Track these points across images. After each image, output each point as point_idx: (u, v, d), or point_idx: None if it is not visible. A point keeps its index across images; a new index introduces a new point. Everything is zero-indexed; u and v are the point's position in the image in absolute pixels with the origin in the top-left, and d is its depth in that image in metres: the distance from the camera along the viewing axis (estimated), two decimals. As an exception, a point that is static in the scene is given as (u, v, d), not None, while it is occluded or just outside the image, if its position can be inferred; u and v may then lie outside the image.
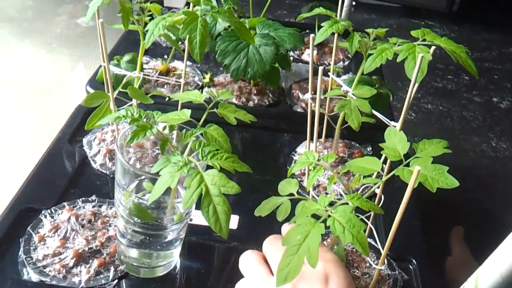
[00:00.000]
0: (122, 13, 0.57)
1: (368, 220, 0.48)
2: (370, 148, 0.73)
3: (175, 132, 0.49)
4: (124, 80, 0.60)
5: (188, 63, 0.89)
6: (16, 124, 1.65)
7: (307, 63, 0.94)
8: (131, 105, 0.59)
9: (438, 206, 1.10)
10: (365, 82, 0.65)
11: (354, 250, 0.52)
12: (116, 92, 0.58)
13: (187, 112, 0.46)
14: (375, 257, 0.52)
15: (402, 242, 0.59)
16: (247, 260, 0.44)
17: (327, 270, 0.38)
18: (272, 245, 0.43)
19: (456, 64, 1.61)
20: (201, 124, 0.46)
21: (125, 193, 0.45)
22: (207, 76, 0.83)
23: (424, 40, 0.51)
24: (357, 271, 0.49)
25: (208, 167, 0.39)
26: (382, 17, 2.09)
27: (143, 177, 0.47)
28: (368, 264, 0.49)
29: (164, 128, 0.42)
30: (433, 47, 0.49)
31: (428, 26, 2.18)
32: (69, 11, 2.23)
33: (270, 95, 0.81)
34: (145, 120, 0.41)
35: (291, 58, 0.91)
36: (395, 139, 0.39)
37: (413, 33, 0.52)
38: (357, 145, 0.73)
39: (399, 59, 0.50)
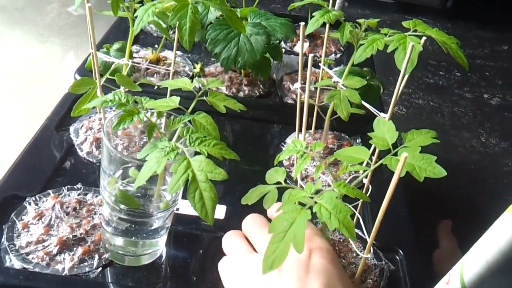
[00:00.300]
0: (112, 0, 0.56)
1: (359, 216, 0.48)
2: (360, 140, 0.72)
3: (163, 119, 0.49)
4: (112, 67, 0.59)
5: (179, 53, 0.88)
6: (6, 113, 1.63)
7: (299, 55, 0.94)
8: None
9: (427, 201, 1.11)
10: (356, 73, 0.64)
11: (341, 240, 0.51)
12: (104, 78, 0.57)
13: (176, 99, 0.45)
14: (362, 247, 0.52)
15: (389, 233, 0.59)
16: (230, 239, 0.44)
17: (310, 244, 0.38)
18: (251, 223, 0.43)
19: (448, 60, 1.62)
20: (190, 112, 0.45)
21: (111, 180, 0.45)
22: (198, 66, 0.82)
23: (416, 31, 0.51)
24: (343, 260, 0.48)
25: (196, 155, 0.39)
26: (376, 13, 2.09)
27: (129, 164, 0.46)
28: (354, 254, 0.49)
29: (152, 114, 0.42)
30: (423, 38, 0.48)
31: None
32: None
33: (261, 86, 0.81)
34: (132, 105, 0.40)
35: (283, 50, 0.90)
36: (383, 128, 0.39)
37: (405, 23, 0.52)
38: (347, 136, 0.72)
39: (389, 50, 0.49)
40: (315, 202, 0.34)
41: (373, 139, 0.39)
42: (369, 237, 0.40)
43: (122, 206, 0.47)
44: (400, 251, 0.56)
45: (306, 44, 0.94)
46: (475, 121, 1.47)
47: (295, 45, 0.95)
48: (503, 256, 0.28)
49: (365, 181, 0.46)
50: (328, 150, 0.67)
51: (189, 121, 0.43)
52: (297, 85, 0.49)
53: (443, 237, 0.97)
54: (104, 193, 0.47)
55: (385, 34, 0.52)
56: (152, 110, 0.43)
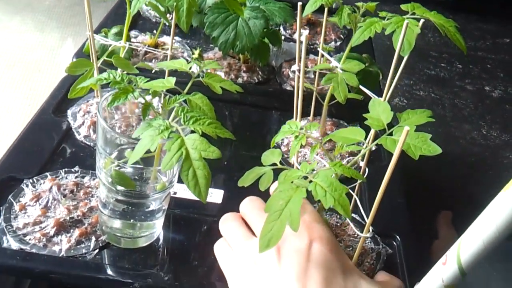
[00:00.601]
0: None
1: (356, 197, 0.48)
2: (359, 127, 0.72)
3: (160, 101, 0.49)
4: (110, 49, 0.58)
5: (178, 38, 0.88)
6: (5, 102, 1.63)
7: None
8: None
9: (427, 191, 1.10)
10: (355, 59, 0.64)
11: (339, 224, 0.51)
12: (101, 60, 0.57)
13: (172, 80, 0.45)
14: (359, 231, 0.52)
15: (387, 220, 0.59)
16: (227, 223, 0.44)
17: (310, 232, 0.38)
18: (249, 205, 0.43)
19: (449, 52, 1.60)
20: (186, 92, 0.45)
21: (107, 160, 0.45)
22: (196, 52, 0.82)
23: (414, 14, 0.51)
24: (341, 244, 0.48)
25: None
26: (378, 5, 2.08)
27: (125, 145, 0.46)
28: (352, 237, 0.49)
29: (147, 93, 0.41)
30: (422, 20, 0.48)
31: (423, 14, 2.17)
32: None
33: (260, 72, 0.80)
34: (127, 84, 0.40)
35: (283, 37, 0.90)
36: (379, 109, 0.39)
37: (403, 6, 0.52)
38: (346, 123, 0.72)
39: (387, 32, 0.49)
40: (311, 182, 0.34)
41: (368, 120, 0.38)
42: (367, 218, 0.40)
43: (119, 188, 0.46)
44: (398, 237, 0.56)
45: (306, 32, 0.94)
46: (476, 113, 1.47)
47: (294, 32, 0.95)
48: (499, 236, 0.28)
49: (362, 163, 0.46)
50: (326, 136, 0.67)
51: (185, 101, 0.43)
52: (295, 67, 0.48)
53: (441, 226, 0.97)
54: (101, 174, 0.46)
55: (383, 18, 0.52)
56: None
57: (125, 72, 0.57)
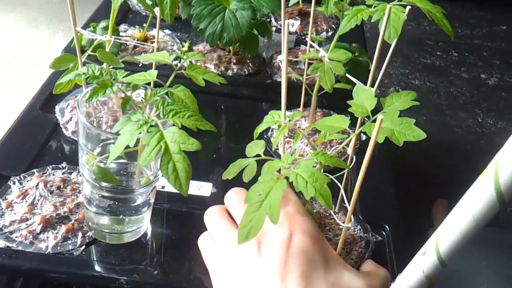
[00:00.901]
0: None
1: (340, 187, 0.47)
2: (350, 117, 0.71)
3: (143, 93, 0.48)
4: (95, 43, 0.58)
5: (167, 31, 0.87)
6: (0, 99, 1.62)
7: (290, 33, 0.92)
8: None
9: (421, 180, 1.10)
10: (344, 49, 0.63)
11: (328, 214, 0.51)
12: (86, 55, 0.56)
13: (154, 73, 0.44)
14: (350, 222, 0.52)
15: (376, 210, 0.59)
16: (211, 216, 0.44)
17: (291, 224, 0.37)
18: (234, 198, 0.43)
19: (445, 40, 1.59)
20: (168, 85, 0.44)
21: (90, 157, 0.44)
22: (186, 45, 0.81)
23: (401, 0, 0.50)
24: (329, 233, 0.48)
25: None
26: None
27: (109, 140, 0.45)
28: (341, 227, 0.48)
29: (127, 87, 0.41)
30: (408, 7, 0.47)
31: (419, 3, 2.15)
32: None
33: (250, 64, 0.80)
34: (107, 78, 0.39)
35: (274, 28, 0.89)
36: (362, 95, 0.38)
37: (390, -6, 0.51)
38: (336, 114, 0.71)
39: (373, 20, 0.48)
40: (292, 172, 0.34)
41: (352, 107, 0.38)
42: (355, 212, 0.40)
43: (103, 184, 0.46)
44: (387, 226, 0.55)
45: (297, 22, 0.93)
46: (472, 101, 1.46)
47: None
48: (476, 226, 0.27)
49: (349, 151, 0.46)
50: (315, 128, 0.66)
51: (167, 94, 0.43)
52: (280, 57, 0.48)
53: (434, 216, 0.96)
54: (84, 171, 0.46)
55: (370, 5, 0.51)
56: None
57: (110, 66, 0.56)
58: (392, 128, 0.35)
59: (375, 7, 0.50)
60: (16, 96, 1.65)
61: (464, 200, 0.28)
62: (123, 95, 0.47)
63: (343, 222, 0.41)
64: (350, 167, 0.46)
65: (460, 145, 1.28)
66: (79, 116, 0.41)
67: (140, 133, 0.35)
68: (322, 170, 0.38)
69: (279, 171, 0.36)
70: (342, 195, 0.45)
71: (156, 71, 0.44)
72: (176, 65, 0.46)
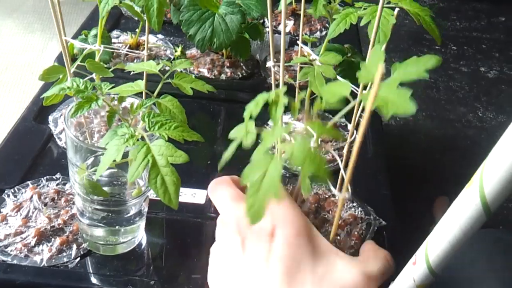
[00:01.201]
0: (77, -18, 0.54)
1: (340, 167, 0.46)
2: (344, 119, 0.71)
3: (137, 101, 0.48)
4: (84, 53, 0.57)
5: (160, 36, 0.86)
6: (-1, 105, 1.62)
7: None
8: (92, 79, 0.57)
9: (420, 176, 1.10)
10: (336, 50, 0.63)
11: (328, 196, 0.50)
12: (75, 65, 0.56)
13: (141, 83, 0.44)
14: (349, 204, 0.51)
15: (373, 208, 0.58)
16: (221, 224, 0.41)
17: (273, 216, 0.35)
18: (215, 195, 0.40)
19: (443, 34, 1.58)
20: (155, 95, 0.44)
21: (79, 170, 0.44)
22: (179, 50, 0.81)
23: (389, 2, 0.49)
24: (328, 214, 0.47)
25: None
26: None
27: (99, 152, 0.45)
28: (336, 206, 0.47)
29: (113, 99, 0.40)
30: (396, 9, 0.47)
31: (416, -4, 2.14)
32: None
33: (244, 67, 0.79)
34: (91, 91, 0.39)
35: (267, 29, 0.88)
36: (375, 59, 0.34)
37: (378, -5, 0.50)
38: (331, 116, 0.71)
39: (362, 23, 0.48)
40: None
41: (360, 71, 0.34)
42: (354, 199, 0.39)
43: (95, 197, 0.46)
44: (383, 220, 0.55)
45: (291, 23, 0.92)
46: (471, 95, 1.45)
47: (279, 23, 0.93)
48: (464, 236, 0.27)
49: (350, 126, 0.45)
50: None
51: (155, 104, 0.42)
52: (270, 63, 0.47)
53: (436, 213, 0.96)
54: (74, 185, 0.46)
55: (360, 8, 0.50)
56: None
57: (100, 76, 0.56)
58: (387, 97, 0.32)
59: (364, 9, 0.50)
60: (14, 103, 1.65)
61: (452, 210, 0.27)
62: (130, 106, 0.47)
63: (347, 208, 0.40)
64: (350, 141, 0.45)
65: (460, 140, 1.27)
66: (66, 131, 0.41)
67: (126, 147, 0.35)
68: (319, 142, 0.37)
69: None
70: (342, 175, 0.44)
71: (143, 82, 0.44)
72: (164, 73, 0.46)
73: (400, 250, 0.53)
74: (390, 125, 1.29)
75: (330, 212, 0.48)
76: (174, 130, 0.36)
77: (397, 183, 0.91)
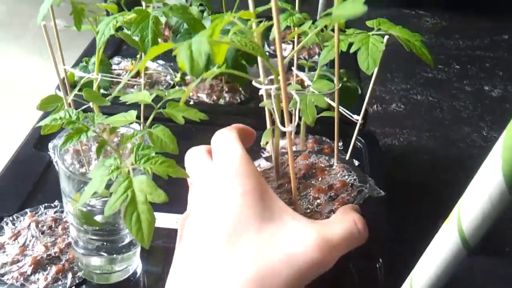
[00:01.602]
0: (74, 14, 0.56)
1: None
2: (342, 143, 0.71)
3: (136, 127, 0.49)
4: (82, 81, 0.58)
5: (161, 62, 0.88)
6: (6, 130, 1.65)
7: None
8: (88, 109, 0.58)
9: (422, 196, 1.09)
10: (330, 76, 0.63)
11: (323, 166, 0.47)
12: (72, 95, 0.57)
13: (134, 114, 0.44)
14: (344, 172, 0.47)
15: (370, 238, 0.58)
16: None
17: (223, 180, 0.32)
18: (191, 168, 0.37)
19: (446, 53, 1.58)
20: (147, 125, 0.45)
21: (73, 201, 0.44)
22: (178, 75, 0.82)
23: (379, 29, 0.50)
24: (316, 181, 0.43)
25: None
26: (372, 8, 2.06)
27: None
28: (339, 177, 0.44)
29: (104, 130, 0.41)
30: (386, 36, 0.47)
31: (419, 16, 2.15)
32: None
33: (242, 92, 0.80)
34: (83, 122, 0.40)
35: (267, 53, 0.89)
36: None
37: (368, 23, 0.51)
38: (328, 140, 0.71)
39: (352, 50, 0.48)
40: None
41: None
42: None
43: (86, 227, 0.46)
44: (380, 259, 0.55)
45: (290, 47, 0.93)
46: (475, 115, 1.44)
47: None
48: (446, 269, 0.27)
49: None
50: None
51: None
52: (262, 91, 0.48)
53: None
54: (68, 215, 0.46)
55: (351, 34, 0.51)
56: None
57: (97, 105, 0.57)
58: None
59: (355, 36, 0.50)
60: (22, 127, 1.67)
61: (432, 246, 0.27)
62: (121, 136, 0.48)
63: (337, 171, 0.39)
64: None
65: (465, 160, 1.26)
66: (58, 162, 0.41)
67: (110, 179, 0.35)
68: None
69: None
70: (337, 146, 0.44)
71: (136, 112, 0.44)
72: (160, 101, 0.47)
73: (398, 279, 0.52)
74: (393, 145, 1.28)
75: (320, 180, 0.44)
76: (160, 165, 0.36)
77: (398, 203, 0.90)
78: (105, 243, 0.49)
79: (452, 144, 1.30)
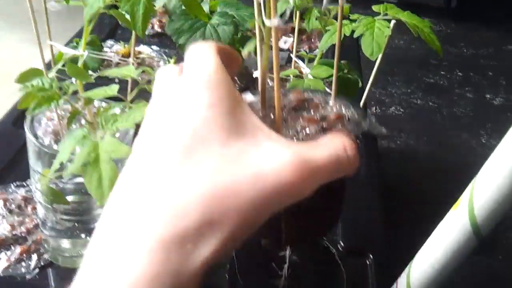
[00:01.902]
0: (62, -16, 0.52)
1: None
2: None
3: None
4: (67, 58, 0.55)
5: (155, 47, 0.84)
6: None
7: (282, 50, 0.89)
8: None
9: (419, 201, 1.06)
10: (330, 65, 0.60)
11: (318, 102, 0.44)
12: (56, 69, 0.53)
13: (115, 88, 0.41)
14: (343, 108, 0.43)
15: (361, 237, 0.55)
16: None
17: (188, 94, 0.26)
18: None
19: (449, 59, 1.55)
20: (129, 100, 0.41)
21: (41, 177, 0.41)
22: (172, 61, 0.78)
23: (386, 14, 0.46)
24: (307, 113, 0.40)
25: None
26: (378, 13, 2.04)
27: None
28: (324, 109, 0.40)
29: (77, 100, 0.38)
30: (393, 21, 0.44)
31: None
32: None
33: (238, 81, 0.76)
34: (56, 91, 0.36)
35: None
36: None
37: (375, 7, 0.48)
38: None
39: (356, 35, 0.45)
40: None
41: None
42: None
43: (56, 206, 0.43)
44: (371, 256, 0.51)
45: (290, 40, 0.90)
46: (476, 122, 1.42)
47: (279, 39, 0.91)
48: (451, 261, 0.23)
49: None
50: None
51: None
52: (256, 73, 0.45)
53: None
54: (36, 193, 0.43)
55: (355, 20, 0.48)
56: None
57: (83, 82, 0.53)
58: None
59: (359, 21, 0.47)
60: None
61: (437, 233, 0.24)
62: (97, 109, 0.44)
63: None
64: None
65: (462, 166, 1.23)
66: (27, 134, 0.38)
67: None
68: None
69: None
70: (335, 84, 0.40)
71: (117, 86, 0.41)
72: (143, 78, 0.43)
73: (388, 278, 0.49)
74: (390, 148, 1.25)
75: (311, 112, 0.39)
76: (128, 121, 0.33)
77: (394, 208, 0.87)
78: (76, 223, 0.45)
79: (449, 149, 1.27)
